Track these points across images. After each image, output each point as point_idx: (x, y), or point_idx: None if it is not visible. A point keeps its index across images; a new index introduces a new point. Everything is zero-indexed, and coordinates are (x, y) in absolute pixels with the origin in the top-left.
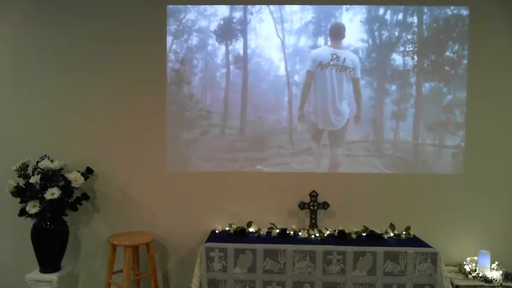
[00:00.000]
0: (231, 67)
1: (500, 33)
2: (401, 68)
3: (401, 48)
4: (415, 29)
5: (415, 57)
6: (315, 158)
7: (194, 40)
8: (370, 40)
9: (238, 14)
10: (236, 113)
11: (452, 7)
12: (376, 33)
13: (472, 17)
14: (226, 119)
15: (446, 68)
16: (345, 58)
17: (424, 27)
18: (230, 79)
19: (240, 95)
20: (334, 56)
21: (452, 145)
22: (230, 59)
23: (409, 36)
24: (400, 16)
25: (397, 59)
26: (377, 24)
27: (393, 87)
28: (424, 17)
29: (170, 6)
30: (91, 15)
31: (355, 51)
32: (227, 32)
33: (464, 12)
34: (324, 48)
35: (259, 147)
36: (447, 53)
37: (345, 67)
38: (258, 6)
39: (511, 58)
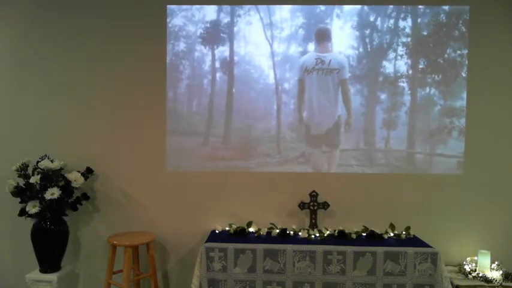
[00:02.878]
0: (217, 74)
1: (500, 32)
2: (399, 69)
3: (399, 51)
4: (410, 33)
5: (412, 59)
6: (312, 163)
7: (181, 46)
8: (360, 48)
9: (226, 20)
10: (222, 120)
11: (445, 10)
12: (368, 39)
13: (472, 16)
14: (210, 126)
15: (446, 68)
16: (330, 60)
17: (418, 29)
18: (216, 85)
19: (225, 101)
20: (319, 60)
21: (453, 145)
22: (217, 64)
23: (404, 40)
24: (392, 21)
25: (393, 61)
26: (368, 30)
27: (388, 91)
28: (419, 20)
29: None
30: (91, 15)
31: (347, 58)
32: (214, 36)
33: (463, 12)
34: (309, 54)
35: (243, 156)
36: (446, 54)
37: (330, 70)
38: (246, 8)
39: (511, 58)
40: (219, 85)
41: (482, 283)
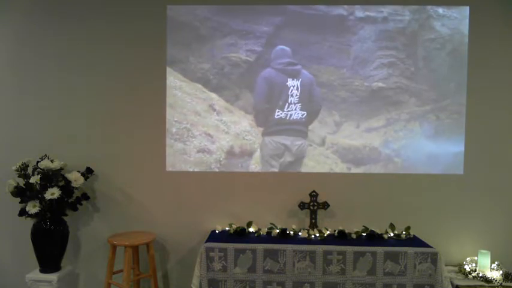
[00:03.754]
0: None
1: (500, 32)
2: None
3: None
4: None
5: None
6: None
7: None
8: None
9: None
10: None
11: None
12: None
13: (472, 16)
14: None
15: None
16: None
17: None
18: None
19: None
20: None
21: (452, 145)
22: None
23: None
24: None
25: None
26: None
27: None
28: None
29: None
30: (91, 15)
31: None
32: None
33: (464, 12)
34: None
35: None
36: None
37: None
38: None
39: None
40: None
41: (482, 283)
